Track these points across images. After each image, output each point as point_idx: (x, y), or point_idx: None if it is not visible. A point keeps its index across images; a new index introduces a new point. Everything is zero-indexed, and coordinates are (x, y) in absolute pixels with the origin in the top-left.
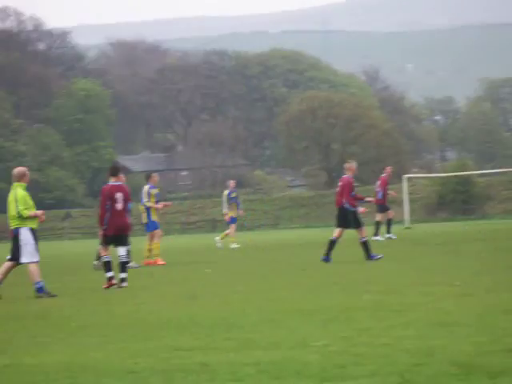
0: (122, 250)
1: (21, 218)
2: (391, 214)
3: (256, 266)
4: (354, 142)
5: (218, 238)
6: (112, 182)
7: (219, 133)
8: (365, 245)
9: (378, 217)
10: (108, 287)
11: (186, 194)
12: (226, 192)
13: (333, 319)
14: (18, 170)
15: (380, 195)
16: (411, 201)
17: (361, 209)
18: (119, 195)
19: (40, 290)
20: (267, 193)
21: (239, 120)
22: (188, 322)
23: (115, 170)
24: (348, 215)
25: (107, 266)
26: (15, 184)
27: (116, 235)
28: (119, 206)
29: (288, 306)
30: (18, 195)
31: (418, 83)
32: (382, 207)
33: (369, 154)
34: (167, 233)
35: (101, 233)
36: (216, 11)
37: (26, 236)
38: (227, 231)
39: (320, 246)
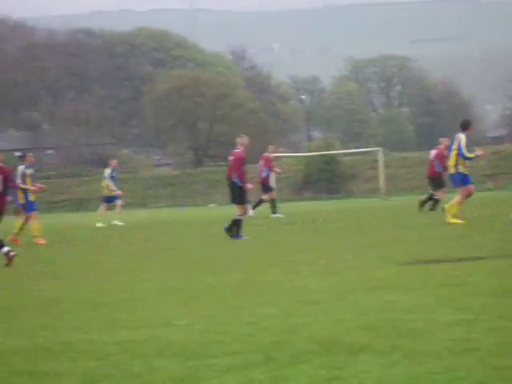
0: None
1: None
2: (272, 194)
3: (123, 245)
4: (220, 121)
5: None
6: None
7: (85, 111)
8: (238, 222)
9: (264, 196)
10: (9, 262)
11: (52, 172)
12: (108, 171)
13: (197, 298)
14: None
15: (264, 174)
16: (278, 180)
17: (249, 185)
18: None
19: None
20: (134, 172)
21: (106, 99)
22: (53, 301)
23: None
24: (235, 189)
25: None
26: None
27: None
28: None
29: (153, 285)
30: None
31: (284, 62)
32: (266, 187)
33: (235, 133)
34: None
35: None
36: None
37: None
38: (117, 210)
39: (186, 224)
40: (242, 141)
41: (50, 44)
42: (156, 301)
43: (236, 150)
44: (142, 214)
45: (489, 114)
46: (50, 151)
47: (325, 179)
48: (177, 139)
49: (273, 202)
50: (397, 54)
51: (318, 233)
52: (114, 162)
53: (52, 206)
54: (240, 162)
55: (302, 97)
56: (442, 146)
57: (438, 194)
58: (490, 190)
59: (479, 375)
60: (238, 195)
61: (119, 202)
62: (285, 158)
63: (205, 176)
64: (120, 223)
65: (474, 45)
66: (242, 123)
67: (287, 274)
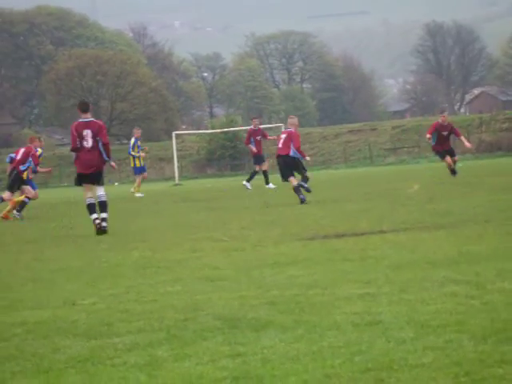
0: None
1: None
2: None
3: (26, 226)
4: (122, 99)
5: (132, 189)
6: (82, 119)
7: None
8: (299, 187)
9: (264, 166)
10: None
11: None
12: (132, 140)
13: (101, 277)
14: None
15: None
16: (181, 157)
17: (308, 158)
18: (87, 132)
19: None
20: None
21: (6, 78)
22: None
23: (85, 106)
24: (293, 162)
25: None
26: None
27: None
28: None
29: (56, 264)
30: None
31: (186, 40)
32: (258, 158)
33: (137, 111)
34: None
35: None
36: None
37: None
38: (137, 182)
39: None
40: (294, 121)
41: None
42: (59, 281)
43: (289, 129)
44: (44, 194)
45: (390, 88)
46: None
47: (228, 156)
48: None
49: (265, 173)
50: (298, 30)
51: (221, 210)
52: (138, 131)
53: None
54: (297, 139)
55: (204, 74)
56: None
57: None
58: (391, 164)
59: (381, 348)
60: (297, 166)
61: (144, 174)
62: (188, 135)
63: None
64: (140, 195)
65: (374, 19)
66: (145, 101)
67: (191, 252)
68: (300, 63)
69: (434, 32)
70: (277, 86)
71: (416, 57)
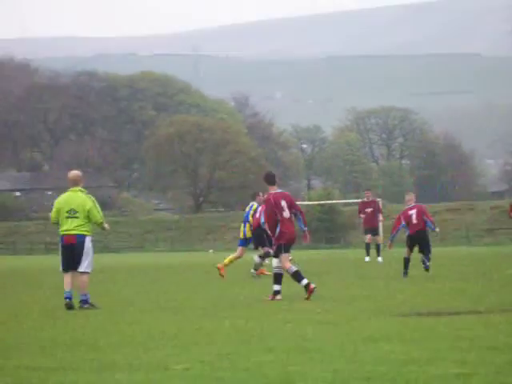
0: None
1: (98, 226)
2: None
3: (122, 288)
4: (221, 167)
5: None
6: (273, 190)
7: (86, 153)
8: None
9: (379, 240)
10: (309, 295)
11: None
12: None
13: (194, 343)
14: (76, 173)
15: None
16: None
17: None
18: (284, 203)
19: (85, 302)
20: (133, 215)
21: (107, 142)
22: (49, 342)
23: (274, 178)
24: (429, 239)
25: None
26: (77, 188)
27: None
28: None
29: (150, 328)
30: (96, 202)
31: (286, 111)
32: (369, 230)
33: (235, 180)
34: (31, 252)
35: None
36: (86, 32)
37: (89, 245)
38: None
39: (185, 268)
40: (412, 196)
41: (53, 86)
42: (153, 344)
43: (413, 205)
44: (139, 258)
45: (489, 168)
46: (49, 192)
47: (323, 228)
48: (177, 184)
49: (378, 246)
50: (399, 106)
51: (315, 283)
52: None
53: (50, 248)
54: (428, 211)
55: (303, 146)
56: None
57: None
58: (488, 244)
59: None
60: (426, 244)
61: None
62: None
63: (204, 221)
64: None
65: (476, 99)
66: (243, 170)
67: (284, 322)
68: (400, 139)
69: None
70: (375, 161)
71: None
